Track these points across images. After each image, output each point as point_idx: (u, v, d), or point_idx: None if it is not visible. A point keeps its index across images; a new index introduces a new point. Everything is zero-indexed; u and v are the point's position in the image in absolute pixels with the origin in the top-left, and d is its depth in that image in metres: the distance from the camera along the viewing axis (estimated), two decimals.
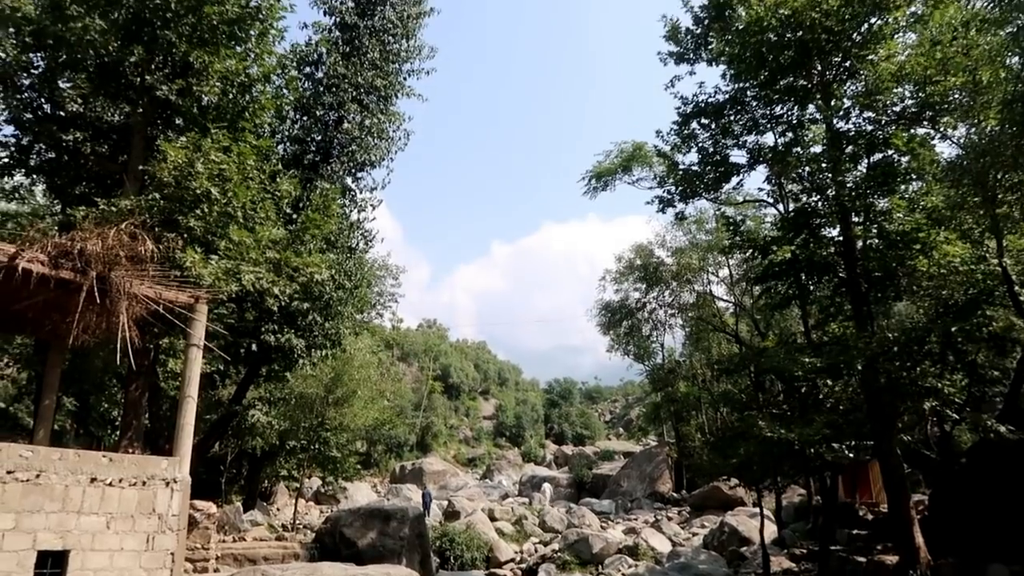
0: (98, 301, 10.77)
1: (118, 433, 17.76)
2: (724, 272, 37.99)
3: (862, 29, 18.56)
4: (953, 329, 16.29)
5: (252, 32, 15.29)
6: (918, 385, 17.20)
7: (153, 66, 14.34)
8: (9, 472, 9.62)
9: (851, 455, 19.99)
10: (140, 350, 12.54)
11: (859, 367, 17.07)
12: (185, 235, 12.96)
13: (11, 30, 13.78)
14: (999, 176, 13.85)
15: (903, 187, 18.70)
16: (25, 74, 14.53)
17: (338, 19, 21.40)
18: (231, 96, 15.27)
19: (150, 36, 13.90)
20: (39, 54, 14.45)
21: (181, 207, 13.07)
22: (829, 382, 20.08)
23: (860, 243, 19.04)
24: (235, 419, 23.65)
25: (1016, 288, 15.57)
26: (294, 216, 17.73)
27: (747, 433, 19.10)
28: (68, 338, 11.68)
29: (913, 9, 18.50)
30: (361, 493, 42.89)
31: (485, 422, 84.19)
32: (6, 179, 16.96)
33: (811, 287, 21.08)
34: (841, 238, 19.31)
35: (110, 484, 10.70)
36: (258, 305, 16.33)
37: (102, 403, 25.69)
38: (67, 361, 17.54)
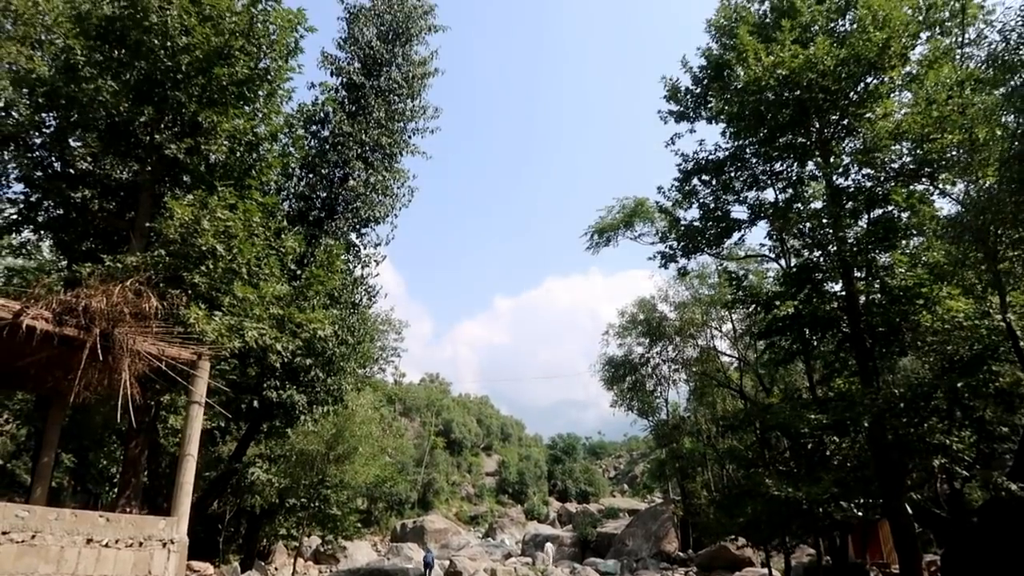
0: (101, 358, 10.75)
1: (116, 491, 17.53)
2: (727, 327, 37.90)
3: (858, 88, 18.91)
4: (959, 385, 16.15)
5: (260, 92, 15.59)
6: (926, 442, 16.99)
7: (163, 125, 14.61)
8: (4, 533, 9.45)
9: (860, 514, 19.61)
10: (141, 407, 12.45)
11: (866, 424, 16.91)
12: (189, 291, 13.00)
13: (25, 91, 14.10)
14: (999, 232, 13.91)
15: (904, 242, 18.79)
16: (37, 133, 14.80)
17: (345, 79, 21.87)
18: (238, 154, 15.50)
19: (160, 96, 14.18)
20: (51, 114, 14.74)
21: (186, 264, 13.14)
22: (836, 439, 19.86)
23: (863, 298, 19.04)
24: (235, 477, 23.37)
25: (1021, 344, 15.49)
26: (298, 272, 17.81)
27: (754, 491, 18.81)
28: (69, 395, 11.62)
29: (908, 69, 18.89)
30: (361, 552, 42.07)
31: (487, 478, 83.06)
32: (14, 235, 17.11)
33: (815, 342, 21.00)
34: (844, 293, 19.33)
35: (106, 545, 10.50)
36: (261, 361, 16.29)
37: (101, 460, 25.44)
38: (67, 417, 17.42)
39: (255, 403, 18.42)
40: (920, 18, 18.55)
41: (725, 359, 38.71)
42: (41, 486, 14.12)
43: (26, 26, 15.38)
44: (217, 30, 13.93)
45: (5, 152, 14.76)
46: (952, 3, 18.06)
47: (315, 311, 16.16)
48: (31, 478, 16.13)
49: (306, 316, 15.36)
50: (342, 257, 19.39)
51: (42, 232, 16.72)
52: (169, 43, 13.57)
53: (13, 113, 14.22)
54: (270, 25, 14.96)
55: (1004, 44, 12.97)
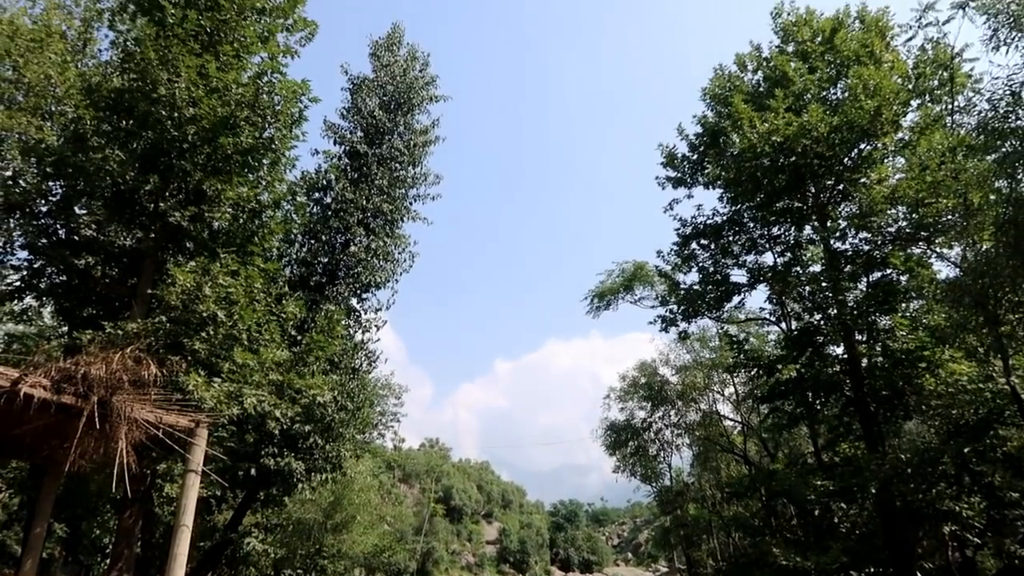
0: (98, 426, 10.65)
1: (108, 561, 17.12)
2: (730, 390, 37.66)
3: (852, 154, 19.27)
4: (966, 450, 15.97)
5: (264, 161, 15.83)
6: (935, 508, 16.69)
7: (167, 193, 14.79)
8: None
9: None
10: (137, 476, 12.25)
11: (873, 490, 16.66)
12: (189, 358, 12.96)
13: (33, 160, 14.34)
14: (999, 296, 13.95)
15: (904, 305, 18.84)
16: (43, 201, 14.98)
17: (347, 148, 22.27)
18: (241, 221, 15.65)
19: (166, 165, 14.40)
20: (58, 182, 14.95)
21: (187, 330, 13.14)
22: (843, 506, 19.51)
23: (865, 361, 18.98)
24: (230, 547, 22.85)
25: None
26: (298, 338, 17.78)
27: (761, 560, 18.40)
28: (65, 463, 11.44)
29: (900, 136, 19.27)
30: None
31: (488, 547, 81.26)
32: (16, 302, 17.16)
33: (818, 406, 20.85)
34: (846, 356, 19.28)
35: None
36: (259, 428, 16.13)
37: (94, 530, 24.92)
38: (61, 486, 17.14)
39: (252, 471, 18.13)
40: (910, 86, 19.02)
41: (728, 423, 38.34)
42: (32, 558, 13.78)
43: (37, 97, 15.75)
44: (223, 101, 14.25)
45: (11, 220, 14.91)
46: (940, 73, 18.54)
47: (315, 377, 16.08)
48: (22, 549, 15.77)
49: (306, 382, 15.27)
50: (343, 322, 19.39)
51: (44, 298, 16.76)
52: (176, 114, 13.86)
53: (21, 182, 14.43)
54: (275, 96, 15.30)
55: (993, 112, 13.25)
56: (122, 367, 11.08)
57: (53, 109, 15.59)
